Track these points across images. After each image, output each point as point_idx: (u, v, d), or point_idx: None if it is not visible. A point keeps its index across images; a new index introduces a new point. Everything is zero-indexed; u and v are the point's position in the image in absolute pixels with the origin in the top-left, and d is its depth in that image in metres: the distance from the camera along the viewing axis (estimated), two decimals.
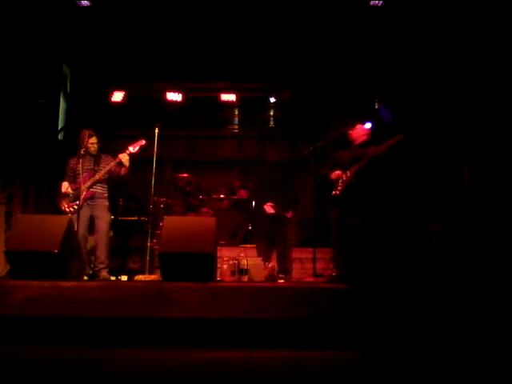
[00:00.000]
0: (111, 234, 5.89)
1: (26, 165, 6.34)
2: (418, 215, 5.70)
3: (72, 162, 5.18)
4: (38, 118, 6.66)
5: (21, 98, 6.44)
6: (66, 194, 5.03)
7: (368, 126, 7.63)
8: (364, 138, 5.00)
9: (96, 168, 5.12)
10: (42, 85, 6.76)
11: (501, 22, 5.42)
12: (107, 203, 5.17)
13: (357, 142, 5.00)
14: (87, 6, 6.52)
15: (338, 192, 4.80)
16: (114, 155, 5.18)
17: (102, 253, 5.00)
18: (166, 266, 3.71)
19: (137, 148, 5.21)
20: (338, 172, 4.84)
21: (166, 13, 6.71)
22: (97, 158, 5.17)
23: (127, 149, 5.16)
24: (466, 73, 5.86)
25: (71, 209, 4.97)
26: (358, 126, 5.08)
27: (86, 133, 5.14)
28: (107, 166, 5.13)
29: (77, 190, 5.01)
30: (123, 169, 5.15)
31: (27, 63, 6.45)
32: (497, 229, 4.91)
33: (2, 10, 5.94)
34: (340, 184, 4.80)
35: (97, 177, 5.07)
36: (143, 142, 5.27)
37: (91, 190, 5.04)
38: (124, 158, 5.10)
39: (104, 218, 5.06)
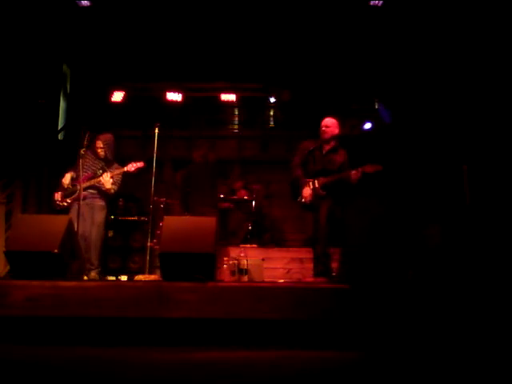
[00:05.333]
0: (111, 234, 5.89)
1: (26, 165, 6.34)
2: (417, 215, 5.70)
3: (84, 156, 5.08)
4: (38, 117, 6.65)
5: (21, 98, 6.44)
6: (65, 188, 5.03)
7: (368, 125, 7.69)
8: (334, 131, 4.97)
9: (99, 173, 5.10)
10: (42, 85, 6.75)
11: (501, 21, 5.42)
12: (102, 203, 5.13)
13: (325, 136, 4.97)
14: (87, 6, 6.53)
15: (304, 201, 4.83)
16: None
17: (92, 254, 4.97)
18: (166, 266, 3.71)
19: (133, 169, 5.12)
20: (309, 193, 4.83)
21: (165, 13, 6.72)
22: (107, 164, 5.15)
23: (126, 166, 5.11)
24: (466, 73, 5.86)
25: (63, 203, 4.96)
26: (327, 120, 5.04)
27: (97, 137, 5.16)
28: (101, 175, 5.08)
29: (74, 186, 5.01)
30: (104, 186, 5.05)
31: (27, 63, 6.45)
32: (497, 229, 4.91)
33: (2, 10, 5.94)
34: (308, 193, 4.82)
35: (92, 182, 5.04)
36: (142, 165, 5.17)
37: (85, 192, 5.00)
38: (104, 179, 5.02)
39: (97, 218, 5.02)
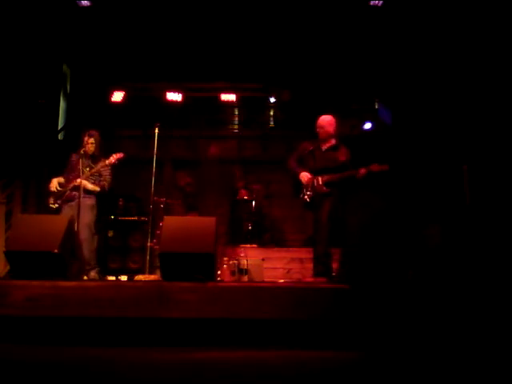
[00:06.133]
0: (111, 234, 5.89)
1: (27, 165, 6.34)
2: (417, 215, 5.70)
3: (73, 157, 5.20)
4: (38, 117, 6.65)
5: (21, 98, 6.44)
6: (52, 192, 5.05)
7: (368, 125, 7.70)
8: (330, 129, 4.95)
9: (86, 171, 5.07)
10: (42, 85, 6.76)
11: (501, 21, 5.42)
12: (92, 202, 5.09)
13: (320, 136, 4.96)
14: (87, 6, 6.53)
15: (307, 198, 4.80)
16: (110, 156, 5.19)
17: (85, 254, 4.92)
18: (166, 266, 3.72)
19: (114, 160, 5.11)
20: (308, 176, 4.82)
21: (165, 13, 6.72)
22: (94, 161, 5.15)
23: (108, 158, 5.09)
24: (466, 73, 5.86)
25: (55, 205, 4.98)
26: (321, 119, 5.01)
27: (86, 132, 5.19)
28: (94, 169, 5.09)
29: (64, 188, 5.04)
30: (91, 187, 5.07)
31: (27, 63, 6.45)
32: (497, 229, 4.91)
33: (2, 10, 5.95)
34: (310, 190, 4.79)
35: (77, 181, 4.97)
36: (122, 155, 5.15)
37: (74, 192, 4.98)
38: (82, 182, 4.96)
39: (85, 217, 4.95)
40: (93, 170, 5.08)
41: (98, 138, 5.24)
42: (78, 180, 4.95)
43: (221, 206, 6.40)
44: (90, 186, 5.05)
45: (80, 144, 5.18)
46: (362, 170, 4.70)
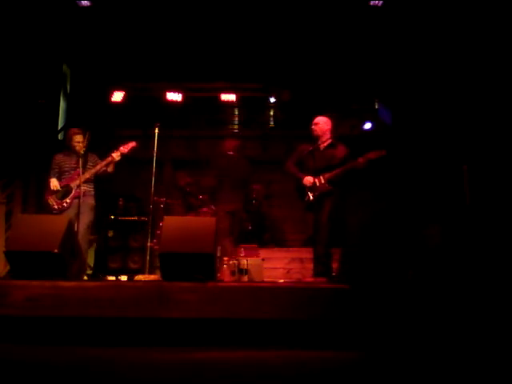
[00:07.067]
0: (111, 234, 5.88)
1: (27, 165, 6.34)
2: (417, 216, 5.70)
3: (58, 158, 5.19)
4: (37, 117, 6.65)
5: (21, 98, 6.44)
6: (55, 191, 5.03)
7: (368, 125, 7.70)
8: (328, 131, 4.98)
9: (84, 167, 5.07)
10: (42, 85, 6.76)
11: (501, 22, 5.42)
12: (93, 202, 5.12)
13: (315, 133, 5.00)
14: (87, 6, 6.53)
15: (312, 198, 4.81)
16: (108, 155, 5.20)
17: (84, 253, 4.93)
18: (166, 266, 3.72)
19: (126, 150, 5.18)
20: (311, 179, 4.84)
21: (166, 13, 6.72)
22: (84, 157, 5.11)
23: (119, 149, 5.16)
24: (466, 73, 5.86)
25: (60, 206, 4.95)
26: (317, 118, 5.05)
27: (72, 131, 5.18)
28: (96, 165, 5.12)
29: (65, 187, 5.01)
30: (111, 166, 5.15)
31: (27, 63, 6.46)
32: (497, 229, 4.91)
33: (2, 9, 5.95)
34: (314, 191, 4.80)
35: (87, 175, 5.02)
36: (134, 144, 5.27)
37: (78, 189, 4.98)
38: (117, 156, 5.12)
39: (85, 217, 4.96)
40: (97, 167, 5.11)
41: (86, 135, 5.17)
42: (114, 154, 5.07)
43: (234, 202, 6.39)
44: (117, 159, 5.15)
45: (65, 143, 5.19)
46: (361, 159, 4.74)
